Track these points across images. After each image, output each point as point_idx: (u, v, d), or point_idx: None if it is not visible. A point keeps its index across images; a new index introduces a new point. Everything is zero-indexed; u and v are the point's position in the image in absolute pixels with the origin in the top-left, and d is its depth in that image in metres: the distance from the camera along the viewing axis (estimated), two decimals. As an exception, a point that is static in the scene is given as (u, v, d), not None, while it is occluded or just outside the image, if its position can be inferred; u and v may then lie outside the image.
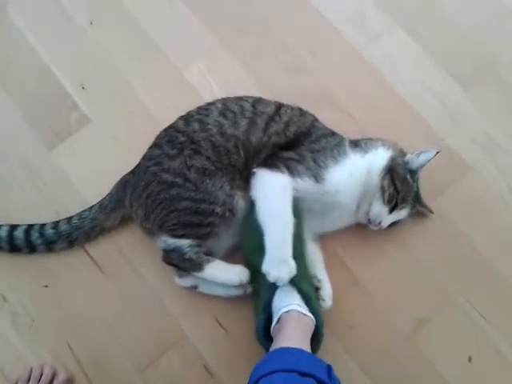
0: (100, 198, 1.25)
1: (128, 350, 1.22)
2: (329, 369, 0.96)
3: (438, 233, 1.28)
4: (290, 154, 1.14)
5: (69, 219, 1.24)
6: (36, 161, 1.36)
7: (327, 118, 1.25)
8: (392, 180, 1.16)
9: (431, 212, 1.25)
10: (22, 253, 1.25)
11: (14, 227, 1.24)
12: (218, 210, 1.10)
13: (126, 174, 1.23)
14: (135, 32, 1.47)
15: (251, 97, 1.23)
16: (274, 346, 1.01)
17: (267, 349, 1.06)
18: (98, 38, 1.46)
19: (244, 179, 1.15)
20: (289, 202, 1.09)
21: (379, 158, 1.18)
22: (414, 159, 1.18)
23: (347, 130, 1.26)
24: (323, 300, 1.15)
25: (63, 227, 1.23)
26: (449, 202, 1.30)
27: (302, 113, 1.23)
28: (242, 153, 1.14)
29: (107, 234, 1.28)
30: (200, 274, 1.13)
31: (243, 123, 1.16)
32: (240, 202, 1.13)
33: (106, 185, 1.25)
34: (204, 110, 1.20)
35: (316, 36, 1.46)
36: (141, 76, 1.43)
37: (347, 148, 1.18)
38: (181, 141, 1.15)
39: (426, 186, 1.25)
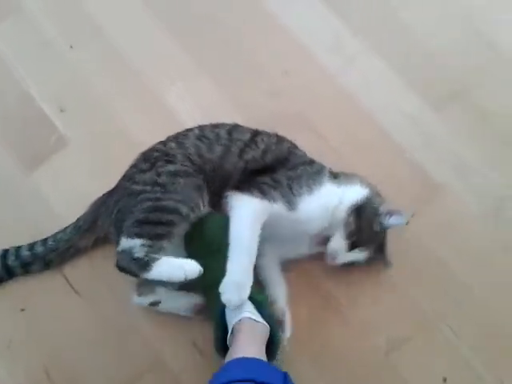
0: (78, 220, 1.26)
1: (104, 374, 1.21)
2: (285, 376, 0.96)
3: (412, 254, 1.29)
4: (266, 178, 1.16)
5: (44, 241, 1.24)
6: (14, 183, 1.36)
7: (302, 142, 1.27)
8: (358, 218, 1.15)
9: (388, 265, 1.23)
10: (1, 281, 1.26)
11: None
12: (184, 209, 1.09)
13: (100, 196, 1.24)
14: (114, 56, 1.49)
15: (228, 124, 1.24)
16: (229, 355, 1.01)
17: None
18: (77, 62, 1.48)
19: (212, 196, 1.16)
20: (258, 230, 1.09)
21: (353, 193, 1.17)
22: (386, 217, 1.16)
23: (323, 153, 1.28)
24: (283, 332, 1.15)
25: (39, 249, 1.23)
26: (421, 222, 1.30)
27: (280, 140, 1.24)
28: (216, 179, 1.16)
29: (83, 256, 1.28)
30: (148, 275, 1.06)
31: (218, 150, 1.17)
32: (203, 210, 1.13)
33: (85, 206, 1.25)
34: (182, 135, 1.22)
35: (291, 60, 1.49)
36: (119, 99, 1.45)
37: (324, 177, 1.18)
38: (155, 156, 1.17)
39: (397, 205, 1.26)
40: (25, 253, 1.24)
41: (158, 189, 1.11)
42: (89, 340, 1.24)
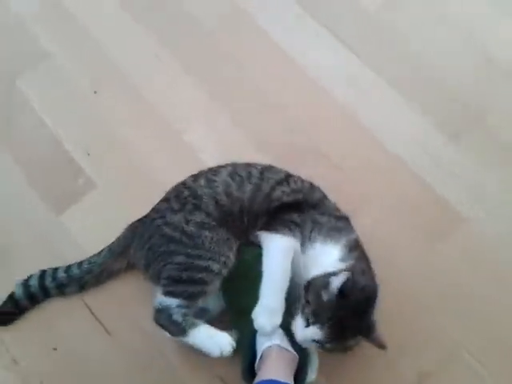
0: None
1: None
2: None
3: (434, 281, 1.30)
4: (293, 216, 1.17)
5: (79, 264, 1.29)
6: (44, 225, 1.41)
7: (319, 174, 1.30)
8: (307, 291, 1.08)
9: (382, 348, 1.06)
10: (37, 301, 1.30)
11: (27, 280, 1.29)
12: (214, 267, 1.12)
13: (135, 221, 1.29)
14: (136, 99, 1.55)
15: (261, 164, 1.27)
16: (257, 379, 1.03)
17: None
18: (101, 107, 1.55)
19: (240, 239, 1.19)
20: (289, 262, 1.12)
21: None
22: (331, 281, 1.05)
23: (337, 184, 1.32)
24: (309, 373, 1.14)
25: (75, 271, 1.28)
26: (446, 252, 1.33)
27: (313, 187, 1.25)
28: (245, 219, 1.19)
29: (112, 293, 1.32)
30: (185, 339, 1.13)
31: (248, 189, 1.19)
32: (232, 260, 1.16)
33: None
34: (213, 171, 1.25)
35: (308, 97, 1.54)
36: (143, 142, 1.50)
37: (342, 239, 1.15)
38: (185, 195, 1.20)
39: (421, 236, 1.31)
40: (61, 274, 1.28)
41: (186, 240, 1.15)
42: (120, 379, 1.27)
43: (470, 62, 1.56)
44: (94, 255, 1.30)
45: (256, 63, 1.59)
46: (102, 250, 1.30)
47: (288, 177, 1.24)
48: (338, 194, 1.27)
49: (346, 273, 1.02)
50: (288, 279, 1.11)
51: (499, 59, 1.54)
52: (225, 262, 1.13)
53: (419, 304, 1.29)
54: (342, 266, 1.10)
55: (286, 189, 1.20)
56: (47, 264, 1.34)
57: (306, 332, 1.05)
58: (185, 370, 1.26)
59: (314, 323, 1.03)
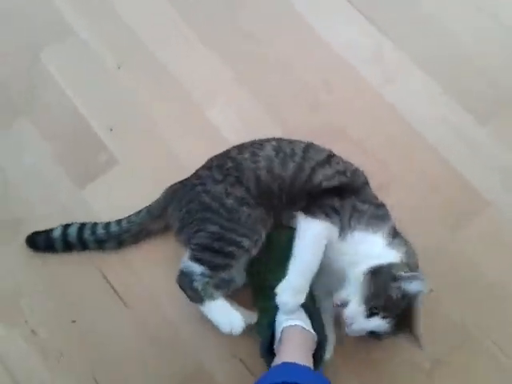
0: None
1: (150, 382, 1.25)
2: None
3: (456, 267, 1.29)
4: (334, 201, 1.14)
5: (119, 221, 1.30)
6: (66, 200, 1.41)
7: (339, 152, 1.27)
8: (374, 281, 1.04)
9: (421, 347, 1.06)
10: (74, 250, 1.32)
11: (67, 226, 1.31)
12: (246, 243, 1.12)
13: (176, 183, 1.29)
14: (161, 75, 1.54)
15: (304, 142, 1.24)
16: (277, 360, 1.03)
17: (270, 365, 1.07)
18: (125, 82, 1.54)
19: (275, 219, 1.19)
20: (322, 247, 1.10)
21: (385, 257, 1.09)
22: (405, 282, 1.03)
23: (365, 166, 1.28)
24: (325, 352, 1.14)
25: (113, 229, 1.29)
26: (465, 236, 1.32)
27: (357, 171, 1.22)
28: (283, 198, 1.17)
29: (134, 267, 1.32)
30: (200, 307, 1.16)
31: (291, 167, 1.16)
32: (264, 239, 1.16)
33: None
34: (258, 144, 1.23)
35: (333, 73, 1.52)
36: (166, 118, 1.49)
37: (384, 227, 1.13)
38: (228, 167, 1.19)
39: (442, 219, 1.30)
40: (100, 231, 1.30)
41: (224, 213, 1.14)
42: (138, 353, 1.27)
43: (497, 41, 1.53)
44: (133, 215, 1.30)
45: (281, 38, 1.58)
46: (140, 211, 1.30)
47: (330, 157, 1.21)
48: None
49: (422, 281, 1.02)
50: (318, 263, 1.10)
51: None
52: (256, 241, 1.14)
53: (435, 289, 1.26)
54: (392, 252, 1.09)
55: (328, 171, 1.17)
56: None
57: (369, 323, 1.04)
58: (204, 349, 1.26)
59: (382, 316, 1.02)
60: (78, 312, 1.31)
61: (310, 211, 1.13)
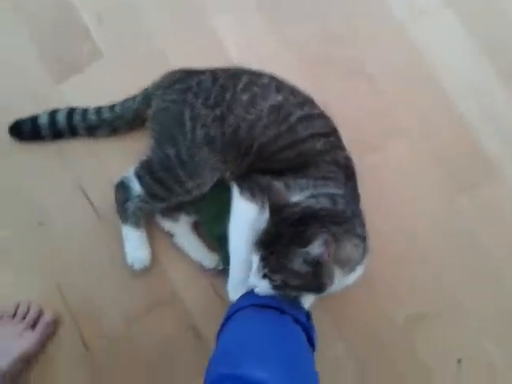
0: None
1: (117, 299, 1.21)
2: (308, 314, 0.96)
3: (452, 230, 1.23)
4: (263, 180, 1.05)
5: (111, 107, 1.20)
6: (44, 91, 1.28)
7: (355, 90, 1.20)
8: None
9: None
10: (64, 138, 1.23)
11: (54, 112, 1.21)
12: (189, 185, 1.08)
13: (181, 71, 1.16)
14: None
15: (308, 108, 1.09)
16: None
17: None
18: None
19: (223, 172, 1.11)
20: (250, 233, 1.01)
21: None
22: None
23: (374, 110, 1.20)
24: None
25: (106, 115, 1.20)
26: (469, 204, 1.24)
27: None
28: (249, 158, 1.07)
29: (109, 176, 1.21)
30: (122, 226, 1.15)
31: (271, 134, 1.05)
32: (212, 184, 1.10)
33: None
34: (265, 89, 1.08)
35: (353, 5, 1.33)
36: (159, 14, 1.32)
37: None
38: (225, 98, 1.07)
39: (448, 182, 1.22)
40: (91, 117, 1.20)
41: (189, 139, 1.06)
42: (105, 264, 1.22)
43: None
44: (128, 99, 1.19)
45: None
46: (136, 95, 1.19)
47: (315, 136, 1.06)
48: (373, 121, 1.20)
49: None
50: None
51: None
52: (199, 185, 1.09)
53: (427, 250, 1.22)
54: None
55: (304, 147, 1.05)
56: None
57: (262, 284, 0.92)
58: (175, 272, 1.22)
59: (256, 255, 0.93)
60: (46, 215, 1.23)
61: (242, 184, 1.07)
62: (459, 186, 1.24)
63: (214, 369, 0.79)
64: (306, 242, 0.85)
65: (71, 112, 1.21)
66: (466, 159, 1.25)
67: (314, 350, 0.92)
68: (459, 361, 1.18)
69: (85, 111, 1.20)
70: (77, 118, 1.20)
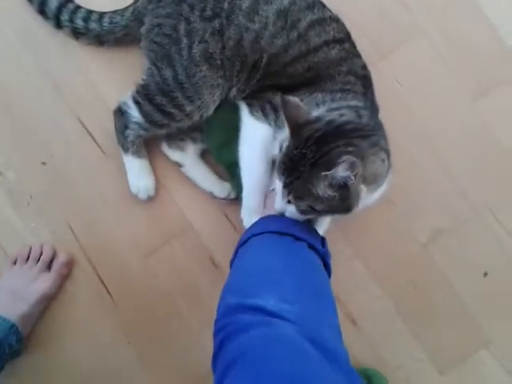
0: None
1: (131, 235, 1.17)
2: (323, 240, 0.92)
3: (474, 134, 1.18)
4: (275, 97, 0.98)
5: (100, 18, 1.11)
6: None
7: None
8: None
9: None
10: (48, 22, 1.16)
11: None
12: (188, 108, 1.02)
13: None
14: None
15: (319, 11, 0.99)
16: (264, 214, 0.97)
17: None
18: None
19: (229, 90, 1.04)
20: (266, 156, 0.99)
21: None
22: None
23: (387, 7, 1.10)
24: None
25: (93, 25, 1.12)
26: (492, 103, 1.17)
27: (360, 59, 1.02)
28: (251, 74, 1.00)
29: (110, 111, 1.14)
30: (122, 154, 1.12)
31: (279, 43, 0.97)
32: (214, 106, 1.04)
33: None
34: None
35: None
36: None
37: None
38: (224, 7, 0.98)
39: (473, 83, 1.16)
40: (79, 21, 1.12)
41: (185, 57, 0.99)
42: (115, 201, 1.18)
43: None
44: (116, 13, 1.11)
45: None
46: (125, 9, 1.10)
47: (330, 42, 0.98)
48: (390, 23, 1.12)
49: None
50: (266, 175, 1.00)
51: None
52: (199, 108, 1.02)
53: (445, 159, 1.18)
54: None
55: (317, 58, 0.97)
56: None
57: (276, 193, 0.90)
58: (187, 202, 1.18)
59: (279, 180, 0.88)
60: (49, 154, 1.18)
61: (252, 103, 1.00)
62: (482, 88, 1.17)
63: (226, 298, 0.76)
64: (330, 164, 0.78)
65: (63, 5, 1.12)
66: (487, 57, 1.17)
67: (329, 277, 0.89)
68: (485, 274, 1.15)
69: (74, 11, 1.12)
70: (65, 16, 1.12)
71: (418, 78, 1.18)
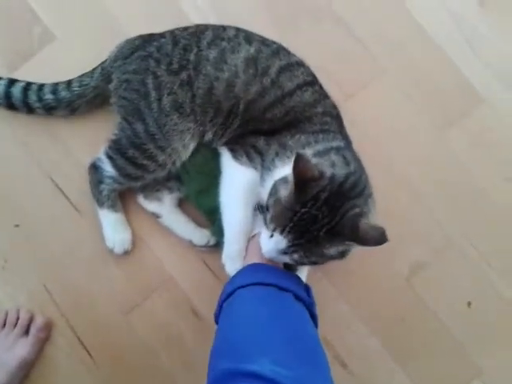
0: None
1: (110, 292, 1.15)
2: (307, 287, 0.91)
3: (443, 165, 1.20)
4: (259, 141, 1.00)
5: (68, 85, 1.11)
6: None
7: (324, 34, 1.16)
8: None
9: (380, 242, 0.84)
10: (20, 112, 1.15)
11: (12, 82, 1.13)
12: (161, 158, 1.02)
13: (138, 38, 1.07)
14: None
15: (284, 56, 1.02)
16: (245, 263, 0.96)
17: None
18: None
19: (203, 136, 1.05)
20: (250, 203, 0.99)
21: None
22: None
23: (349, 54, 1.15)
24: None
25: (63, 94, 1.11)
26: (455, 137, 1.20)
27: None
28: (229, 120, 1.01)
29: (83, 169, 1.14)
30: (98, 210, 1.11)
31: (253, 90, 0.98)
32: (188, 153, 1.04)
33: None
34: (234, 42, 1.01)
35: None
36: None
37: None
38: (190, 59, 1.00)
39: (438, 115, 1.18)
40: (48, 96, 1.11)
41: (155, 109, 1.00)
42: (90, 258, 1.16)
43: None
44: (85, 75, 1.11)
45: None
46: (93, 71, 1.10)
47: (303, 85, 1.00)
48: (352, 64, 1.17)
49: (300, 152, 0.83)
50: (250, 220, 1.00)
51: None
52: (170, 155, 1.03)
53: (417, 192, 1.19)
54: None
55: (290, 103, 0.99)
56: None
57: (270, 243, 0.86)
58: (165, 253, 1.17)
59: (274, 229, 0.85)
60: (22, 216, 1.16)
61: (234, 148, 1.02)
62: (448, 119, 1.20)
63: (218, 363, 0.74)
64: (344, 232, 0.82)
65: (27, 88, 1.12)
66: (450, 91, 1.21)
67: (316, 327, 0.87)
68: (469, 304, 1.15)
69: (40, 88, 1.11)
70: (32, 97, 1.11)
71: (383, 115, 1.20)
